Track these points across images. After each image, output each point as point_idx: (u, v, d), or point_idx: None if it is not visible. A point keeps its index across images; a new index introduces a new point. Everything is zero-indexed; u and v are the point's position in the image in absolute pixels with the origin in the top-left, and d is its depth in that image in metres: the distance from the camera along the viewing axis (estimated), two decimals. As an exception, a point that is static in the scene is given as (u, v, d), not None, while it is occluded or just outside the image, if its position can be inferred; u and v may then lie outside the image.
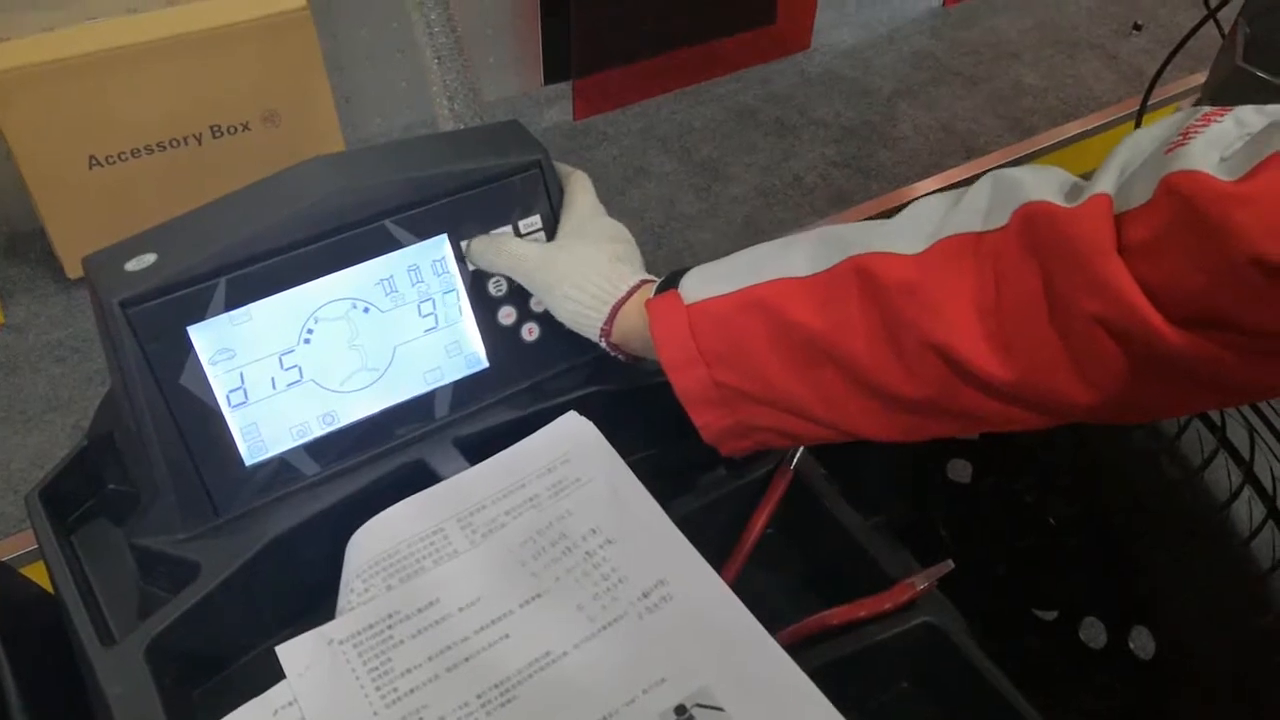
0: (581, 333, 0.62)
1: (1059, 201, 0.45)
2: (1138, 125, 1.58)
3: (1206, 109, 0.43)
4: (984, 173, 0.51)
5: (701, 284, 0.56)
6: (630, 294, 0.60)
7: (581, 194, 0.67)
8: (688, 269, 0.58)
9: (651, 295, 0.58)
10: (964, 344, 0.46)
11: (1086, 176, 0.47)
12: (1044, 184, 0.46)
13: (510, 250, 0.63)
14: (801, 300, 0.52)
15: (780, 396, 0.53)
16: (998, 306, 0.46)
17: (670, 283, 0.58)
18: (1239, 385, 0.43)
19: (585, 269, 0.61)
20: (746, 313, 0.53)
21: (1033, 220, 0.45)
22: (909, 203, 0.53)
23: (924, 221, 0.50)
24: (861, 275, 0.50)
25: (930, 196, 0.52)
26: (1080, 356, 0.44)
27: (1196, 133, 0.42)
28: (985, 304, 0.46)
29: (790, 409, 0.54)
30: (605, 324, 0.60)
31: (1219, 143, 0.41)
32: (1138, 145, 0.45)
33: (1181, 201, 0.40)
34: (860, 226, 0.52)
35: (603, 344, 0.62)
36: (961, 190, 0.50)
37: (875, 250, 0.50)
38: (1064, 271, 0.43)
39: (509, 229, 0.65)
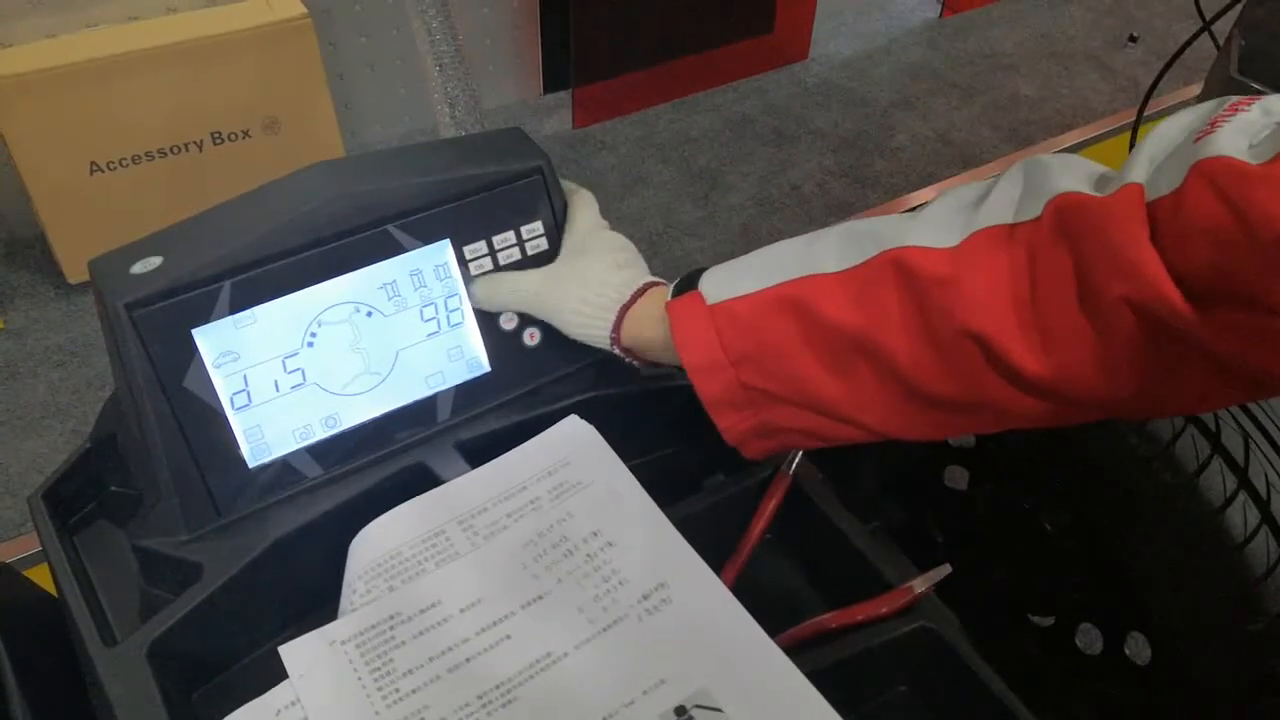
0: (593, 344, 0.62)
1: (1089, 192, 0.45)
2: (1134, 137, 1.59)
3: (1234, 99, 0.44)
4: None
5: (723, 284, 0.55)
6: (636, 297, 0.60)
7: (583, 210, 0.67)
8: (703, 269, 0.57)
9: (669, 297, 0.57)
10: (1001, 334, 0.47)
11: None
12: (1075, 174, 0.47)
13: (512, 285, 0.64)
14: (835, 296, 0.51)
15: (809, 396, 0.53)
16: (1033, 297, 0.46)
17: (688, 284, 0.57)
18: (1266, 373, 0.43)
19: (587, 282, 0.62)
20: (776, 311, 0.53)
21: (1065, 211, 0.46)
22: (907, 211, 0.53)
23: (956, 214, 0.50)
24: (898, 269, 0.49)
25: (959, 188, 0.52)
26: (1111, 345, 0.45)
27: (1224, 121, 0.42)
28: (1020, 295, 0.47)
29: (818, 408, 0.53)
30: (613, 331, 0.61)
31: (1247, 130, 0.41)
32: (1166, 135, 0.46)
33: (1211, 186, 0.40)
34: (891, 220, 0.52)
35: (616, 352, 0.62)
36: (991, 180, 0.50)
37: (910, 244, 0.50)
38: (1096, 260, 0.44)
39: (507, 259, 0.66)
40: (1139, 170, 0.44)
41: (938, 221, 0.50)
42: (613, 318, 0.60)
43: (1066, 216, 0.46)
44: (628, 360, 0.63)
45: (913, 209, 0.53)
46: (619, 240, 0.66)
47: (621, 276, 0.62)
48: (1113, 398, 0.47)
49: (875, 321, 0.50)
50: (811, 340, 0.52)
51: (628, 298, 0.60)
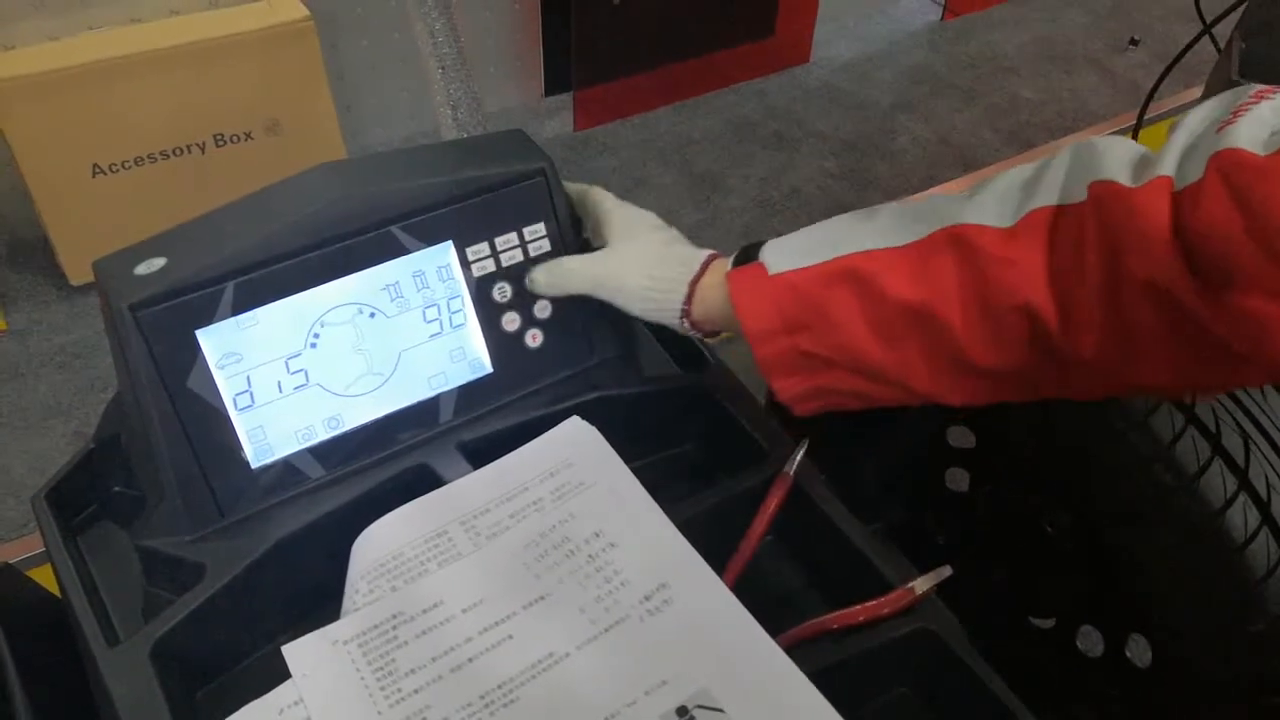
0: (660, 320, 0.64)
1: (1127, 180, 0.47)
2: (1134, 139, 1.59)
3: (1259, 86, 0.46)
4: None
5: (784, 256, 0.58)
6: (704, 270, 0.62)
7: (608, 200, 0.69)
8: (762, 242, 0.60)
9: (729, 268, 0.60)
10: (1050, 312, 0.49)
11: None
12: (1118, 159, 0.49)
13: (573, 269, 0.65)
14: (895, 269, 0.54)
15: (864, 362, 0.55)
16: (1076, 278, 0.49)
17: (748, 255, 0.59)
18: (1272, 359, 0.45)
19: (649, 260, 0.63)
20: (837, 282, 0.55)
21: (1103, 199, 0.48)
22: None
23: (1009, 196, 0.52)
24: (957, 244, 0.52)
25: (1011, 170, 0.55)
26: (1139, 328, 0.47)
27: (1246, 111, 0.44)
28: (1066, 276, 0.49)
29: (871, 374, 0.56)
30: (685, 303, 0.62)
31: (1270, 120, 0.43)
32: (1194, 124, 0.48)
33: (1224, 178, 0.43)
34: (948, 199, 0.55)
35: (684, 325, 0.63)
36: (1044, 160, 0.53)
37: (969, 221, 0.52)
38: (1125, 247, 0.46)
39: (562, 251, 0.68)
40: (1169, 162, 0.46)
41: (993, 202, 0.53)
42: (685, 290, 0.62)
43: (1104, 204, 0.48)
44: (690, 332, 0.64)
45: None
46: (657, 218, 0.68)
47: (680, 251, 0.64)
48: (1147, 378, 0.50)
49: (934, 295, 0.52)
50: (868, 310, 0.54)
51: (697, 270, 0.62)
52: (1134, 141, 0.50)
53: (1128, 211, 0.46)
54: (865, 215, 0.57)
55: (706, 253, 0.63)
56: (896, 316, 0.54)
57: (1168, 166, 0.46)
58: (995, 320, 0.51)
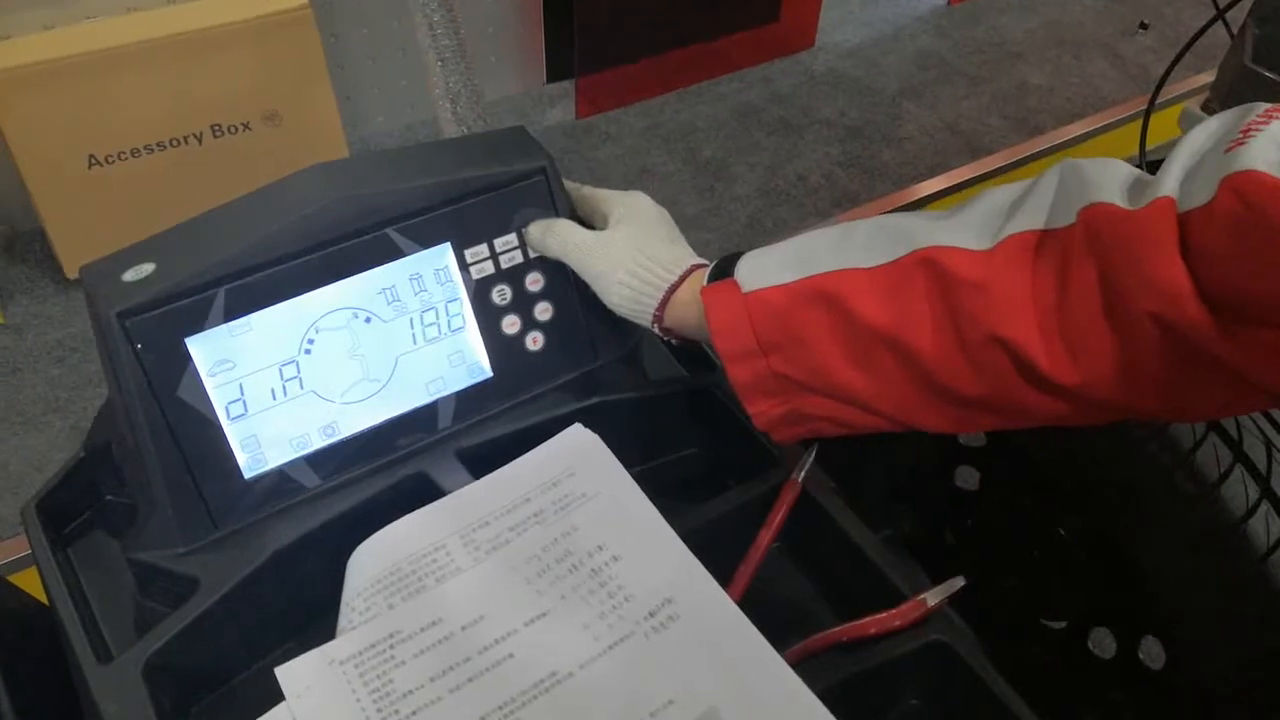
0: (632, 319, 0.62)
1: (1122, 202, 0.45)
2: (1145, 126, 1.57)
3: (1268, 105, 0.43)
4: (988, 173, 0.52)
5: (759, 272, 0.56)
6: (682, 280, 0.60)
7: (604, 189, 0.67)
8: (740, 254, 0.58)
9: (705, 282, 0.58)
10: (1029, 342, 0.47)
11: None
12: (1110, 182, 0.46)
13: (563, 234, 0.63)
14: (866, 292, 0.51)
15: (838, 387, 0.54)
16: (1061, 305, 0.46)
17: (724, 270, 0.57)
18: None
19: (637, 255, 0.61)
20: (808, 303, 0.53)
21: (1096, 222, 0.45)
22: (915, 202, 0.53)
23: (991, 217, 0.50)
24: (929, 268, 0.50)
25: (995, 189, 0.52)
26: (1135, 357, 0.45)
27: (1257, 130, 0.42)
28: (1050, 303, 0.47)
29: (847, 399, 0.54)
30: (658, 310, 0.61)
31: None
32: (1198, 142, 0.45)
33: (1240, 201, 0.40)
34: (925, 217, 0.53)
35: (655, 330, 0.62)
36: (1029, 182, 0.50)
37: (943, 244, 0.50)
38: (1124, 274, 0.44)
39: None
40: (1171, 182, 0.44)
41: (972, 223, 0.50)
42: (659, 297, 0.60)
43: (1097, 228, 0.45)
44: (664, 338, 0.63)
45: (914, 202, 0.53)
46: (661, 210, 0.66)
47: (672, 253, 0.61)
48: (1137, 405, 0.47)
49: (905, 320, 0.50)
50: (840, 334, 0.52)
51: (675, 279, 0.60)
52: (1124, 162, 0.48)
53: (1126, 234, 0.44)
54: (843, 232, 0.55)
55: (689, 262, 0.61)
56: (868, 341, 0.52)
57: (1169, 187, 0.43)
58: (969, 346, 0.49)
